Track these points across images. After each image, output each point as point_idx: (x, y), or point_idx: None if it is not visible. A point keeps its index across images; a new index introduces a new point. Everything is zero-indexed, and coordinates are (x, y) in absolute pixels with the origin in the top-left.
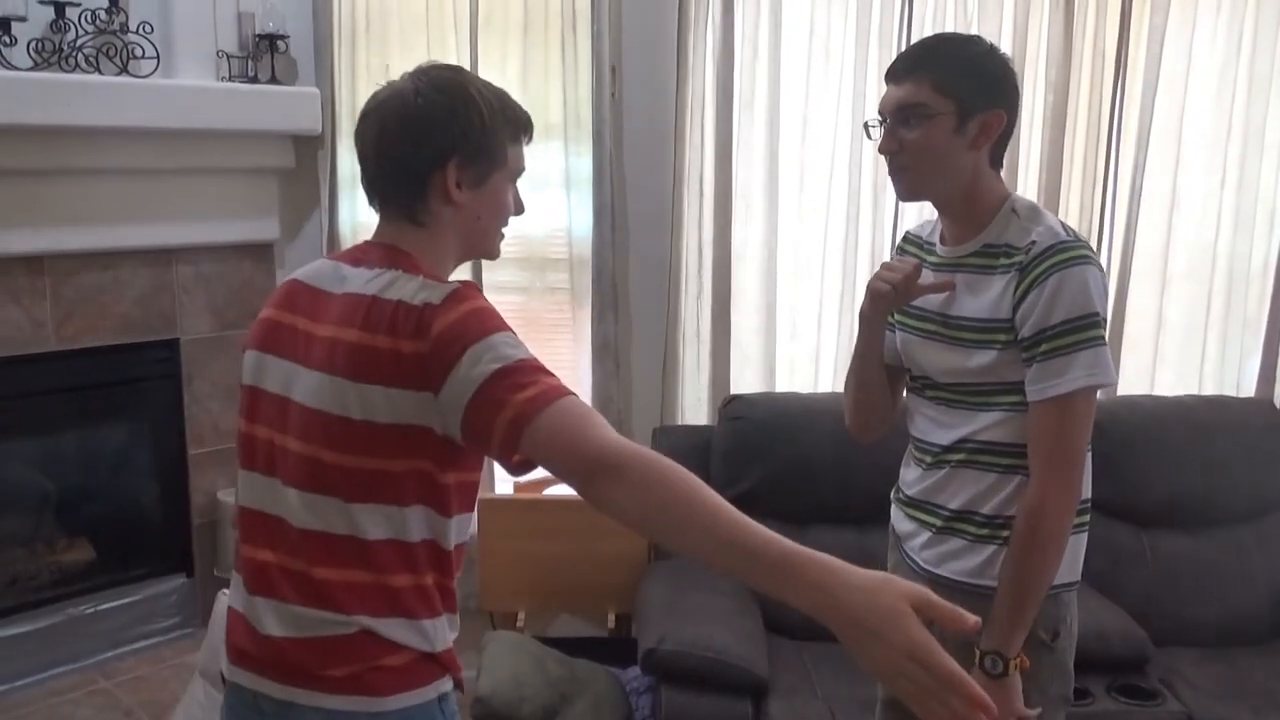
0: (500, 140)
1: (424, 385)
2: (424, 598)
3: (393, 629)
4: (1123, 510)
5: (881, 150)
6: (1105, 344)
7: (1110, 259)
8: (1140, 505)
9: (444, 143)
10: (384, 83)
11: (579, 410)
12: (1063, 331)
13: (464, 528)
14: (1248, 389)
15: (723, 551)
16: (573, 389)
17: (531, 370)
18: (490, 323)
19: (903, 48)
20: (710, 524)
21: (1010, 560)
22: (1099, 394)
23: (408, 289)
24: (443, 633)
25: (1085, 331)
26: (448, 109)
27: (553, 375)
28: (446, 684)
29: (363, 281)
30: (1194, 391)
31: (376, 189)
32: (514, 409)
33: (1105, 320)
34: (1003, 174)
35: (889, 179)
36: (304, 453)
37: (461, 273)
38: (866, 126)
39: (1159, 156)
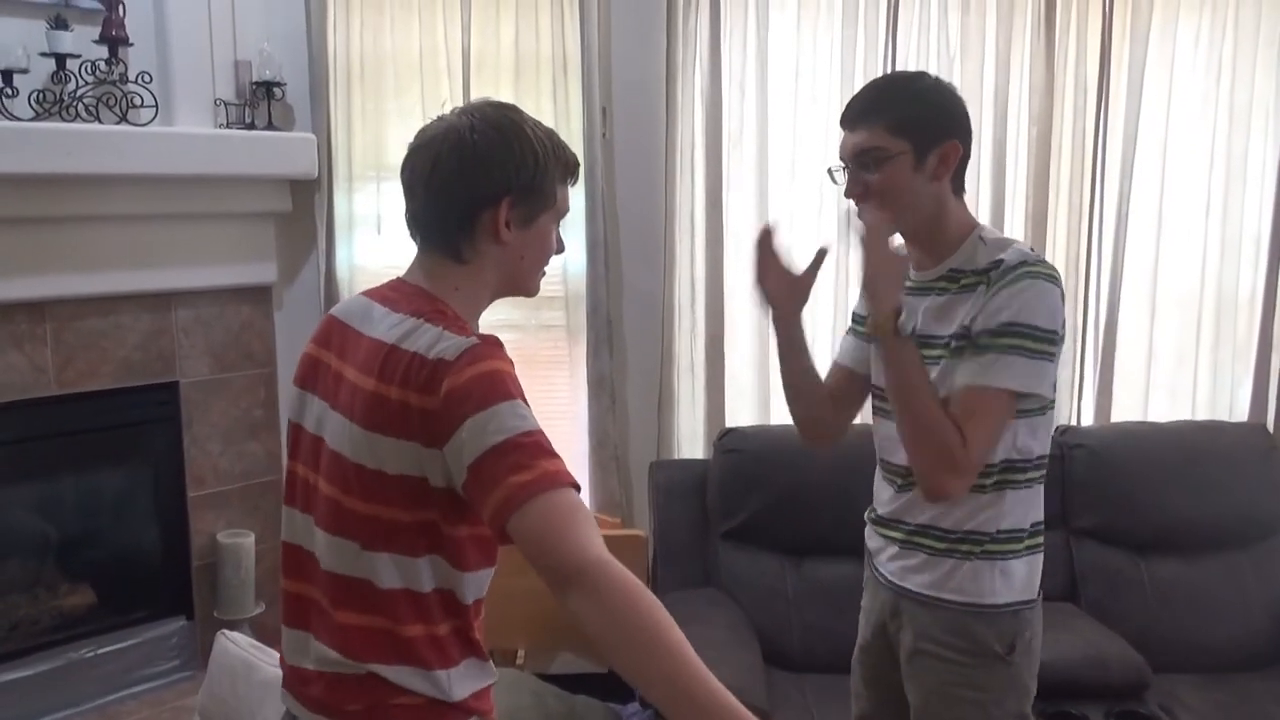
0: (551, 181)
1: (429, 441)
2: (437, 647)
3: (402, 676)
4: (1118, 536)
5: (847, 195)
6: (1049, 360)
7: (1099, 287)
8: (1136, 531)
9: (500, 181)
10: (435, 117)
11: (567, 507)
12: (1005, 331)
13: (484, 581)
14: (1240, 414)
15: (675, 699)
16: (568, 464)
17: (532, 450)
18: (500, 388)
19: None
20: (670, 669)
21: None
22: (1085, 420)
23: (424, 340)
24: (463, 681)
25: (1028, 340)
26: (504, 148)
27: (554, 457)
28: None
29: (386, 327)
30: (1187, 417)
31: (420, 223)
32: (506, 490)
33: (1059, 340)
34: (989, 204)
35: None
36: (329, 494)
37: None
38: (830, 172)
39: (1143, 186)
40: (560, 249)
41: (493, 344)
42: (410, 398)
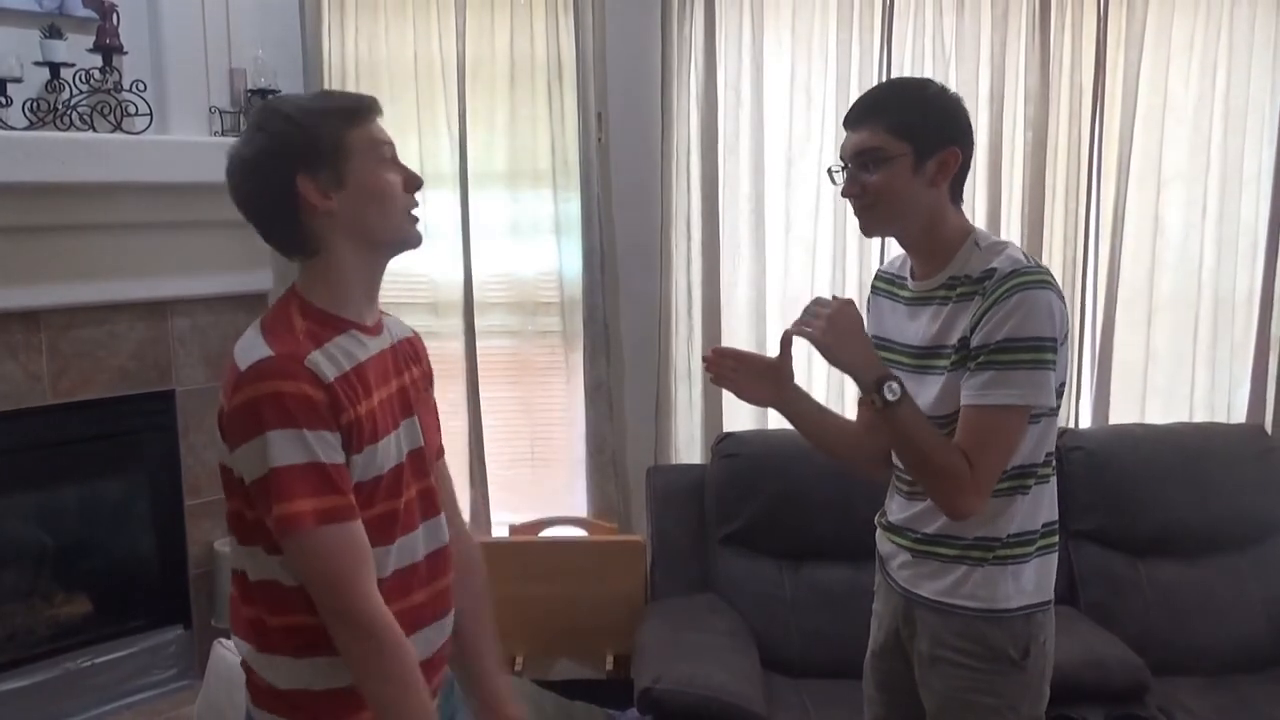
0: (331, 134)
1: (225, 441)
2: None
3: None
4: (1117, 539)
5: (844, 194)
6: (1048, 368)
7: (1095, 290)
8: (1134, 534)
9: (280, 167)
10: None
11: (318, 549)
12: (1003, 348)
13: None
14: (1238, 416)
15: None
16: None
17: (283, 481)
18: (255, 423)
19: None
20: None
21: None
22: (1082, 423)
23: (241, 346)
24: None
25: (1027, 353)
26: (268, 138)
27: (303, 491)
28: None
29: None
30: (1184, 419)
31: (267, 240)
32: (270, 521)
33: (1058, 344)
34: (985, 209)
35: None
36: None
37: (454, 290)
38: (830, 172)
39: (1139, 189)
40: (412, 182)
41: (273, 361)
42: (222, 401)
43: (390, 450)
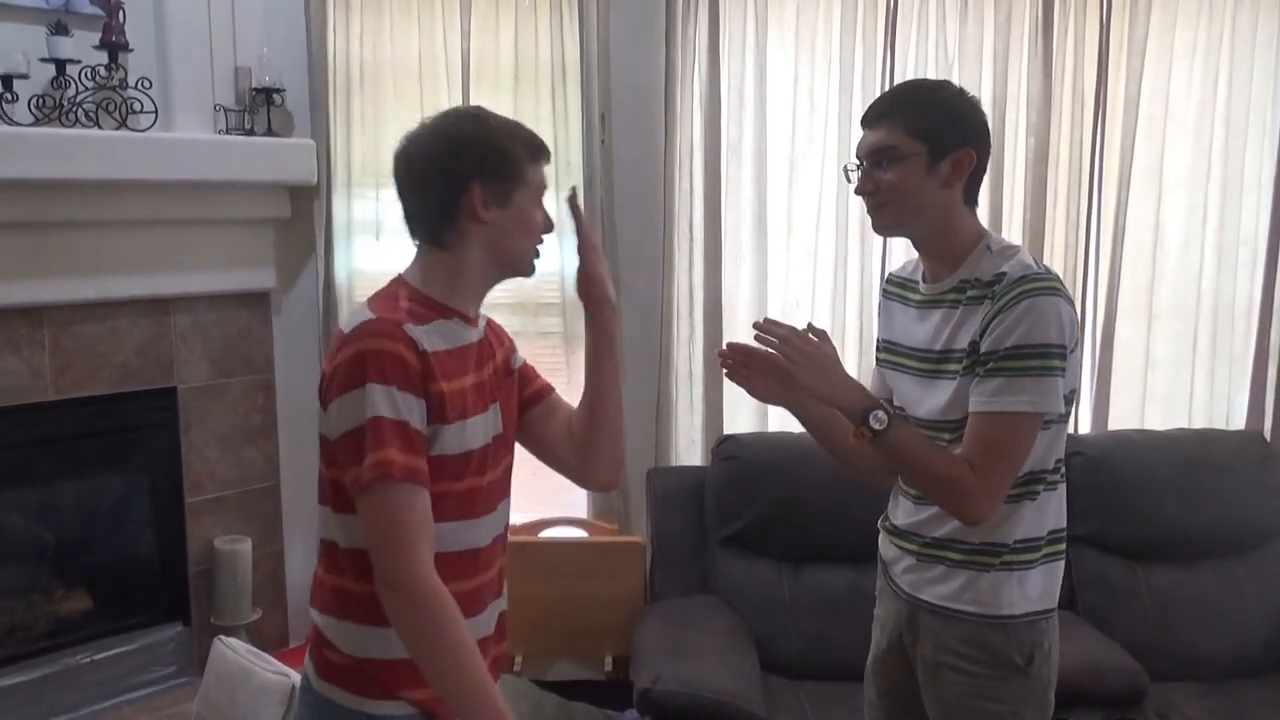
0: (517, 161)
1: (324, 402)
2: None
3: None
4: (1115, 544)
5: (858, 191)
6: (1057, 375)
7: (1096, 296)
8: (1133, 539)
9: (466, 167)
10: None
11: (395, 502)
12: (1012, 355)
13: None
14: (1237, 423)
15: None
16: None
17: (380, 430)
18: (358, 374)
19: None
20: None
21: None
22: (1082, 429)
23: (347, 319)
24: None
25: (1035, 359)
26: (465, 137)
27: (394, 444)
28: (379, 707)
29: None
30: (1184, 425)
31: (409, 219)
32: (353, 474)
33: (1067, 351)
34: (987, 215)
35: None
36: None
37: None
38: (846, 170)
39: (1140, 196)
40: (549, 227)
41: (379, 324)
42: (326, 365)
43: (478, 430)
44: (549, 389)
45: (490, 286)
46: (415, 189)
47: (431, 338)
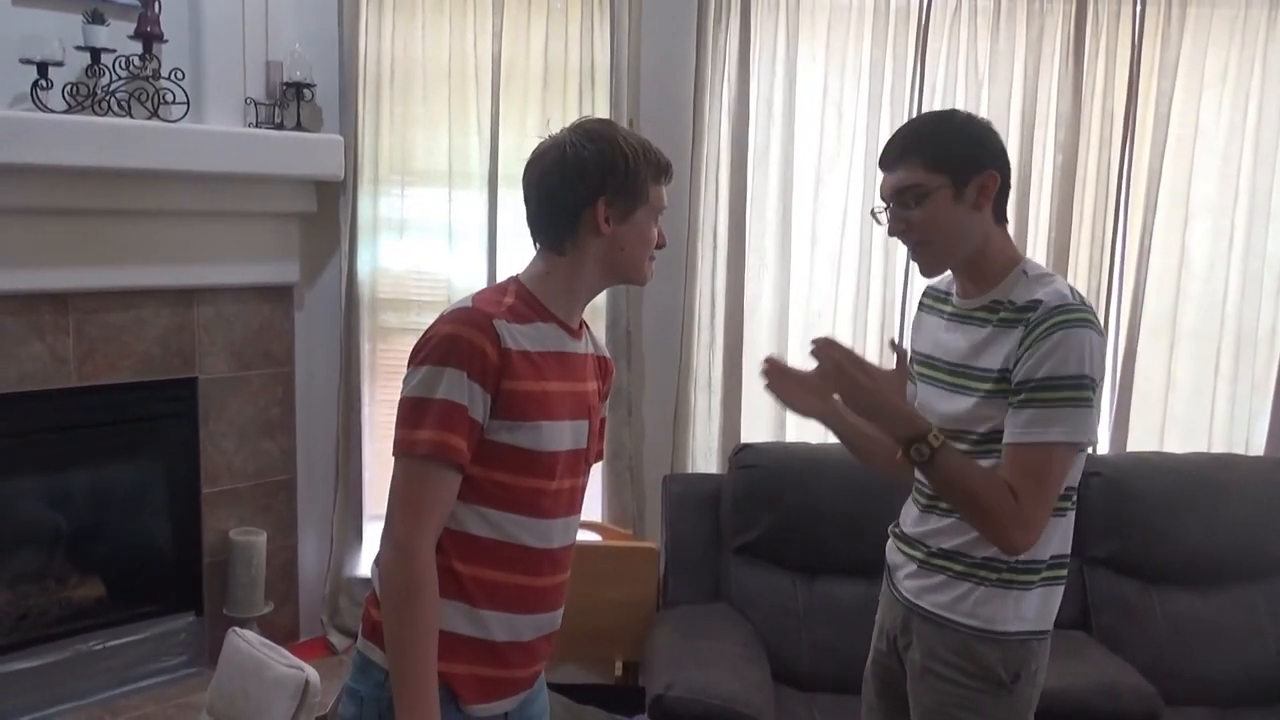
0: (643, 180)
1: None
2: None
3: None
4: (1131, 567)
5: (891, 233)
6: (1090, 406)
7: (1119, 318)
8: (1149, 562)
9: (595, 182)
10: (546, 135)
11: (419, 475)
12: (1045, 386)
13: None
14: (1257, 448)
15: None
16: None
17: (412, 410)
18: (439, 354)
19: (914, 109)
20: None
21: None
22: (1101, 449)
23: (458, 302)
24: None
25: (1068, 390)
26: (599, 155)
27: (436, 423)
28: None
29: None
30: (1203, 449)
31: (533, 223)
32: (400, 435)
33: (1098, 384)
34: (1012, 232)
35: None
36: None
37: None
38: (874, 214)
39: (1166, 218)
40: (662, 243)
41: (468, 313)
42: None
43: (556, 436)
44: (599, 455)
45: (598, 292)
46: (542, 199)
47: (524, 337)
